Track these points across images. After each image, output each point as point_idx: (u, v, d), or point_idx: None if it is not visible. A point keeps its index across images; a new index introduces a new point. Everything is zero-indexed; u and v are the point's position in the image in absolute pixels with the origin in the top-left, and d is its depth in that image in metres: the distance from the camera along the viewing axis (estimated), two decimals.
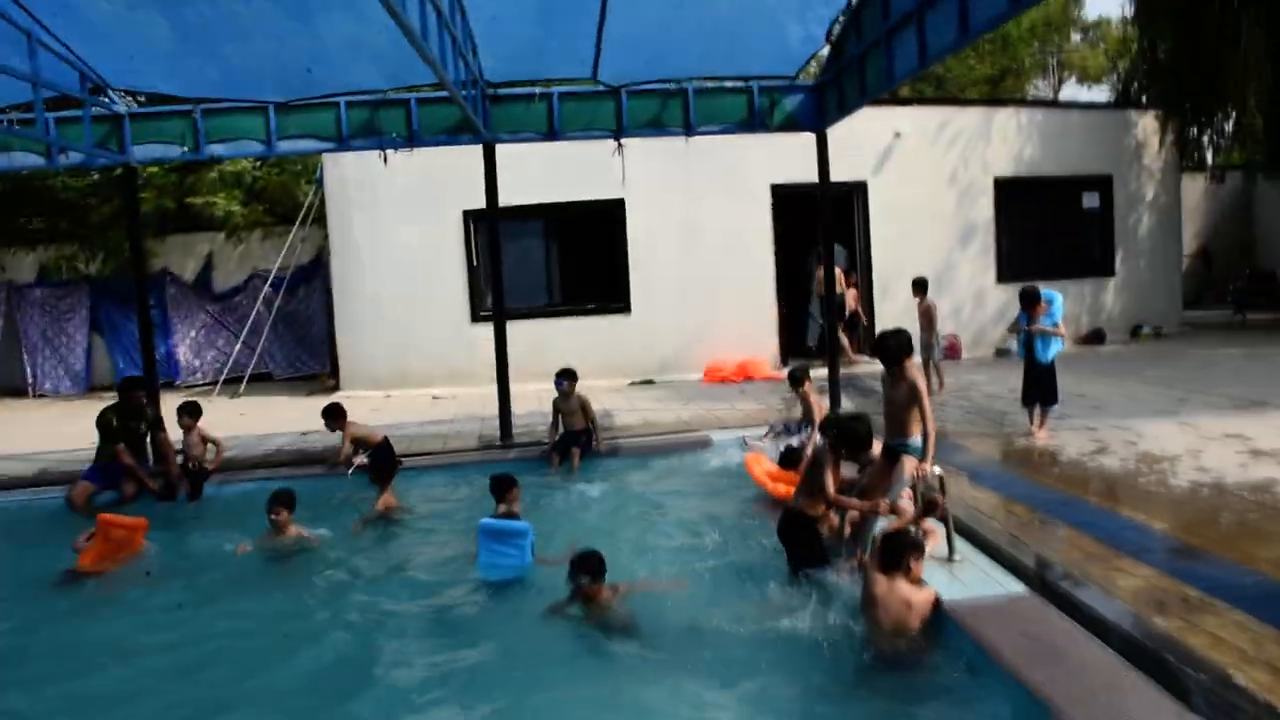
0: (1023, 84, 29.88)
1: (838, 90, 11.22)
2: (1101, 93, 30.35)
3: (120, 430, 9.97)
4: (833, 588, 6.07)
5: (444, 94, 11.40)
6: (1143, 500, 7.34)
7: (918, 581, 5.47)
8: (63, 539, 8.32)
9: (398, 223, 16.60)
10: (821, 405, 10.04)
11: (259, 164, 19.12)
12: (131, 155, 11.35)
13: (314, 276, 20.21)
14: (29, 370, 20.37)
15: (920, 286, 13.63)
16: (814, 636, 5.55)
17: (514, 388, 11.72)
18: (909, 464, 6.45)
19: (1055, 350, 10.16)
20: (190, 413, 10.22)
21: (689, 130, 11.74)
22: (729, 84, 12.00)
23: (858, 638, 5.45)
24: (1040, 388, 10.16)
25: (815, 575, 6.19)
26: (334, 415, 10.26)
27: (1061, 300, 10.37)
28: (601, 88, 11.55)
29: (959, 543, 6.28)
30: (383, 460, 9.77)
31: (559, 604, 6.07)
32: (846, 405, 11.55)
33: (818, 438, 9.58)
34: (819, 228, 17.14)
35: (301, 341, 20.27)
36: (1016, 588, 5.72)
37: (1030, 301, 10.18)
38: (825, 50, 11.08)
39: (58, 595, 7.38)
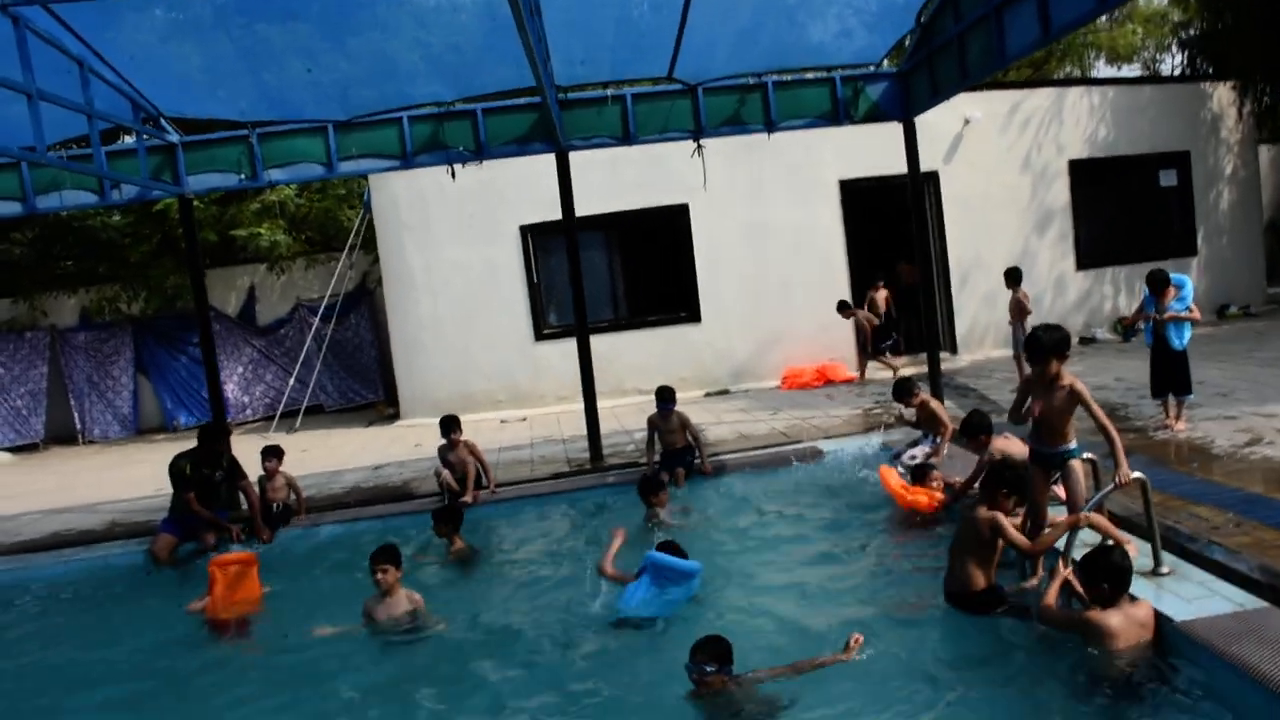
0: (1062, 66, 29.15)
1: (929, 75, 10.55)
2: (1133, 70, 29.53)
3: (194, 478, 9.35)
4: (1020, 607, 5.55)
5: (511, 103, 10.86)
6: None
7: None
8: (158, 594, 8.16)
9: (451, 242, 15.99)
10: (946, 415, 9.33)
11: (301, 191, 18.57)
12: (187, 185, 10.78)
13: (361, 303, 19.67)
14: (77, 417, 19.90)
15: (1013, 278, 12.95)
16: (1025, 671, 4.94)
17: (581, 405, 11.08)
18: (1079, 468, 5.84)
19: (1188, 336, 9.45)
20: (276, 455, 9.72)
21: (770, 127, 11.08)
22: (810, 75, 11.35)
23: (1071, 666, 4.91)
24: (1173, 377, 9.45)
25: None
26: (453, 425, 9.89)
27: (1191, 283, 9.61)
28: (676, 86, 10.90)
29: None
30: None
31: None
32: (950, 406, 10.81)
33: (945, 449, 8.94)
34: (891, 224, 16.71)
35: (352, 371, 19.72)
36: (1242, 598, 5.09)
37: (1159, 286, 9.46)
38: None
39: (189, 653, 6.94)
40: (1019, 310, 12.81)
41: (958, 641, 5.45)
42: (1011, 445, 7.21)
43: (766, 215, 15.99)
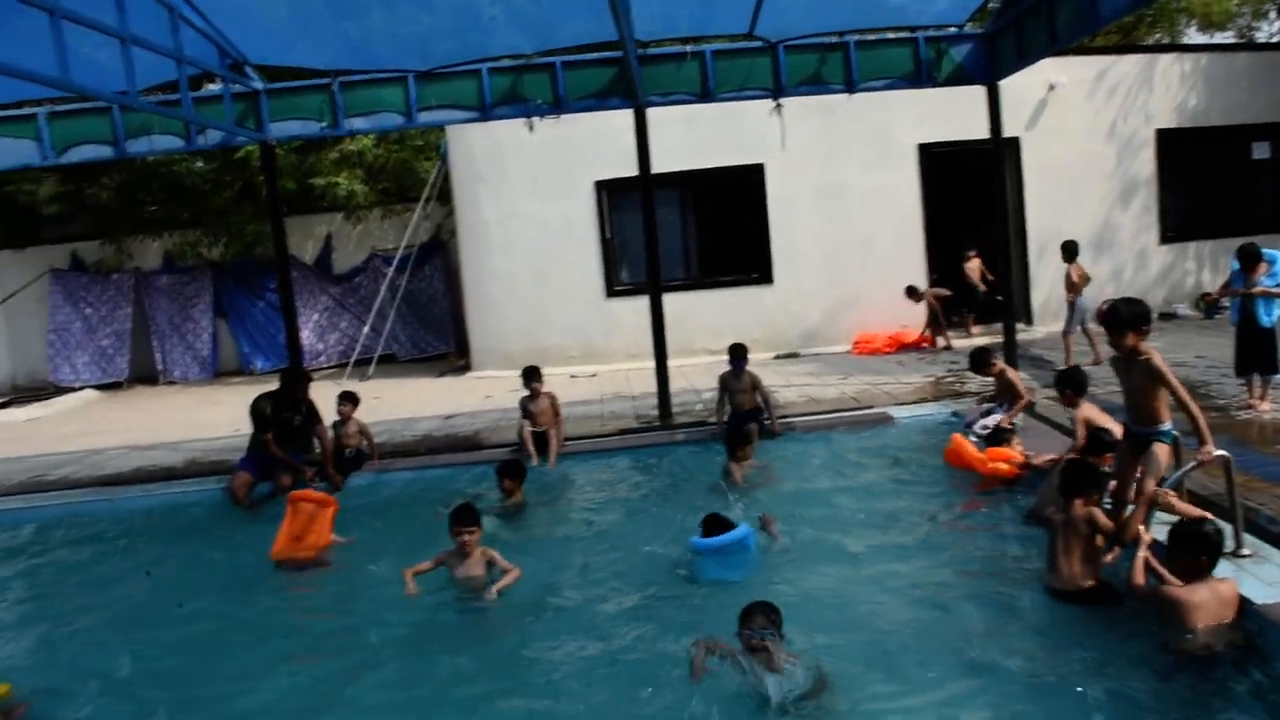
0: (1152, 32, 28.26)
1: (1015, 38, 10.30)
2: (1227, 38, 28.46)
3: (274, 419, 9.56)
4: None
5: (590, 57, 10.81)
6: None
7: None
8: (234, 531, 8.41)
9: (526, 196, 16.04)
10: (1024, 383, 9.20)
11: (378, 142, 18.73)
12: (269, 132, 10.93)
13: (435, 255, 19.85)
14: (159, 358, 20.43)
15: (1069, 251, 12.84)
16: (1105, 650, 4.85)
17: (652, 363, 11.10)
18: (1162, 452, 5.67)
19: (1278, 314, 9.20)
20: (351, 400, 9.88)
21: (851, 87, 10.92)
22: (892, 35, 11.15)
23: (1152, 645, 4.82)
24: (1260, 355, 9.22)
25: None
26: (534, 375, 9.96)
27: None
28: (757, 44, 10.77)
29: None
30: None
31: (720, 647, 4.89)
32: (1025, 378, 10.64)
33: (1019, 418, 8.83)
34: (970, 190, 16.40)
35: (425, 322, 19.93)
36: None
37: (1250, 261, 9.24)
38: None
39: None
40: (1075, 284, 12.64)
41: (1031, 617, 5.34)
42: (1095, 413, 7.08)
43: (843, 178, 15.80)
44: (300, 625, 6.47)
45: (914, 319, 15.53)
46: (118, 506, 9.64)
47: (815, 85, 10.99)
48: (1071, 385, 7.39)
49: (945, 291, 15.29)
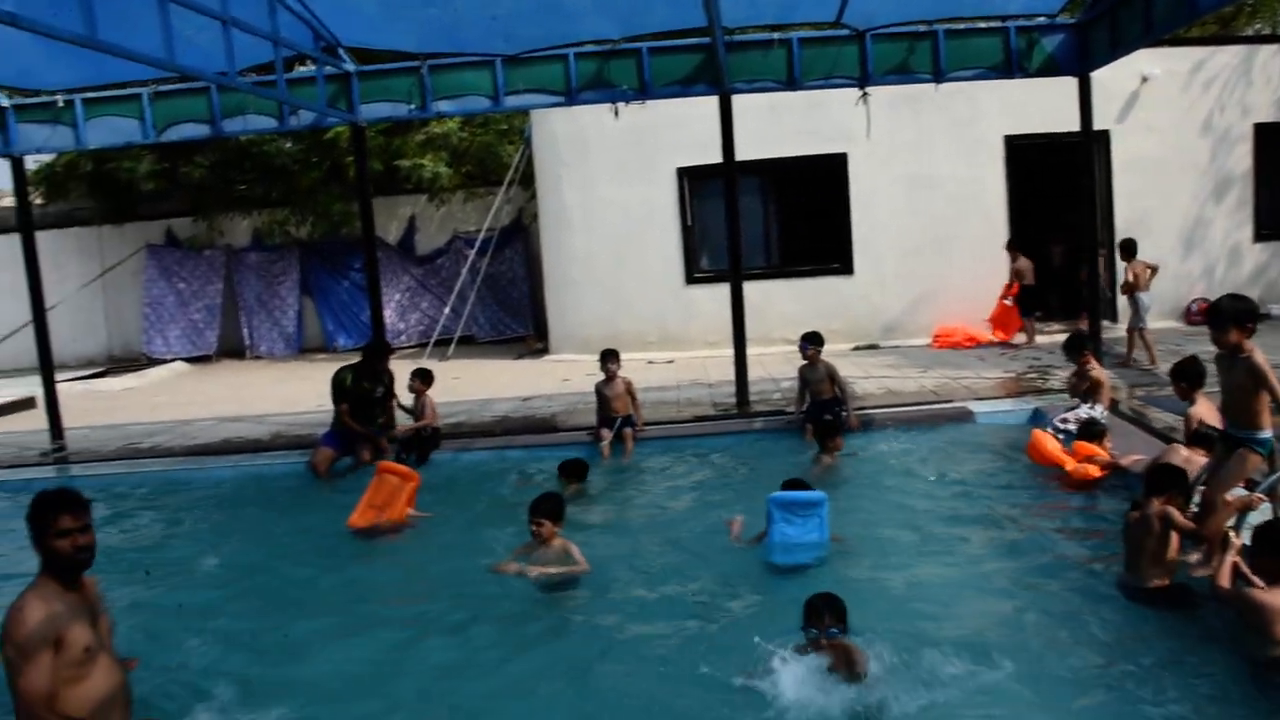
0: (1252, 22, 27.41)
1: (1110, 27, 10.11)
2: None
3: (353, 390, 9.78)
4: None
5: (676, 43, 10.84)
6: None
7: None
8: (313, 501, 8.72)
9: (609, 181, 16.13)
10: (1107, 379, 9.04)
11: (463, 125, 18.95)
12: (360, 114, 11.15)
13: (516, 238, 20.05)
14: (246, 333, 20.97)
15: (1129, 250, 12.73)
16: (1187, 655, 4.77)
17: (730, 352, 11.12)
18: (1248, 462, 5.42)
19: None
20: (423, 378, 10.01)
21: (938, 77, 10.81)
22: (982, 24, 11.00)
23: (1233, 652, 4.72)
24: None
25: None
26: (612, 358, 10.00)
27: None
28: (843, 32, 10.70)
29: None
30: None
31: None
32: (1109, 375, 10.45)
33: (1101, 411, 8.68)
34: (1056, 183, 16.12)
35: (504, 304, 20.15)
36: None
37: None
38: None
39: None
40: (1133, 284, 12.53)
41: (1104, 616, 5.24)
42: (1208, 410, 6.88)
43: (927, 169, 15.62)
44: (367, 594, 6.59)
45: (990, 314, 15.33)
46: (207, 475, 9.98)
47: (902, 75, 10.90)
48: (1186, 378, 7.21)
49: (1028, 278, 15.01)
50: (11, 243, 20.20)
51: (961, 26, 10.93)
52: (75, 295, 20.86)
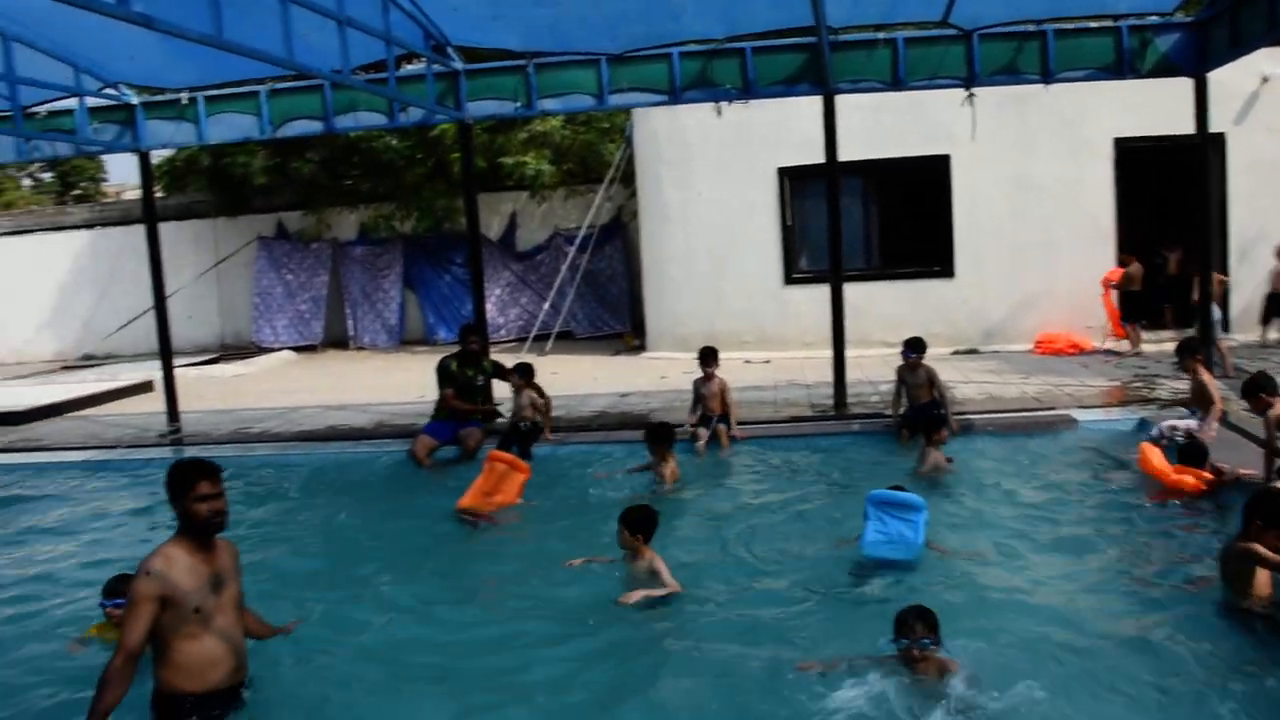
0: None
1: (1230, 25, 9.80)
2: None
3: (458, 376, 10.05)
4: None
5: (780, 43, 10.84)
6: None
7: None
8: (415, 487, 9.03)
9: (709, 180, 16.16)
10: (1218, 388, 8.78)
11: (566, 123, 19.15)
12: (467, 111, 11.37)
13: (615, 236, 20.19)
14: (350, 324, 21.52)
15: None
16: None
17: (828, 353, 11.06)
18: None
19: None
20: (523, 373, 10.15)
21: (1047, 77, 10.64)
22: (1094, 24, 10.78)
23: None
24: None
25: None
26: (711, 357, 10.01)
27: None
28: (950, 32, 10.58)
29: None
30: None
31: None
32: (1220, 387, 10.14)
33: (1214, 428, 8.45)
34: (1167, 186, 15.67)
35: (602, 301, 20.31)
36: None
37: None
38: None
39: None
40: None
41: (1197, 636, 5.06)
42: None
43: (1032, 171, 15.31)
44: (461, 574, 6.83)
45: (1101, 320, 14.97)
46: (314, 459, 10.32)
47: (1009, 75, 10.75)
48: (1260, 390, 7.05)
49: (1136, 283, 14.64)
50: (132, 234, 21.24)
51: (1071, 26, 10.72)
52: (191, 285, 21.67)
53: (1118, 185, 15.39)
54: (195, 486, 4.32)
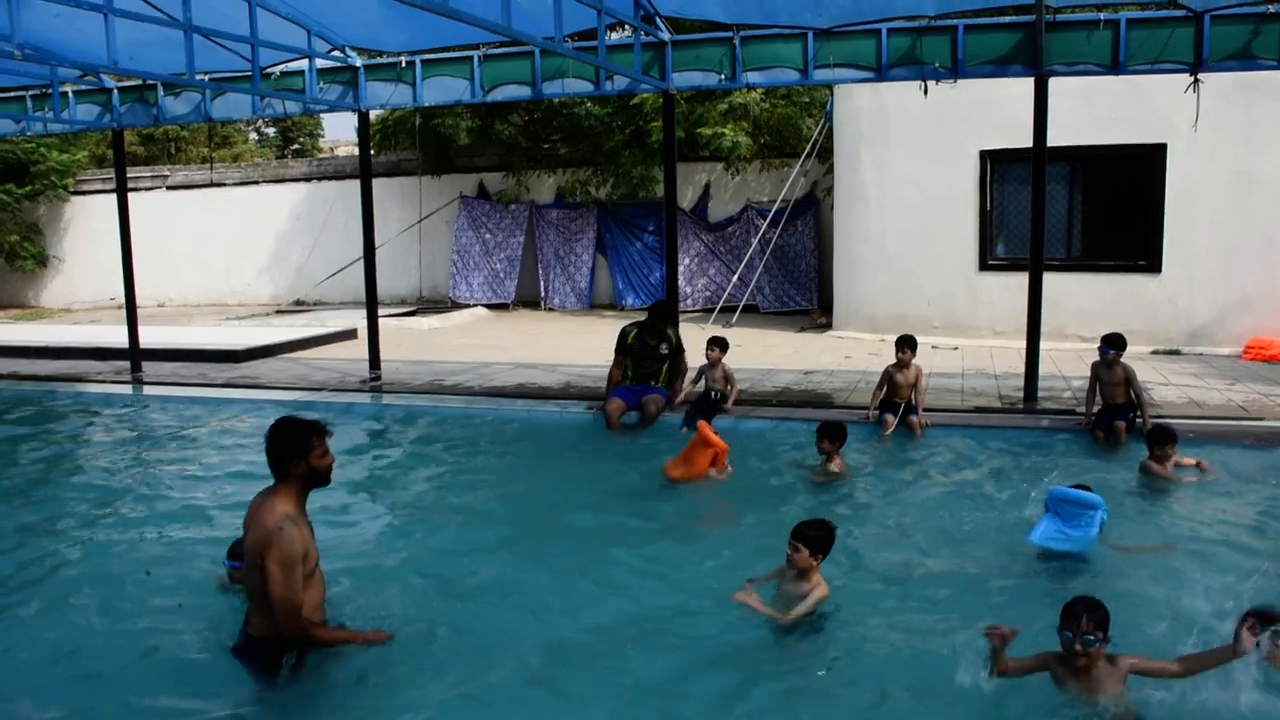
0: None
1: None
2: None
3: (634, 344, 10.31)
4: None
5: (994, 21, 10.55)
6: None
7: None
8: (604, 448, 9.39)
9: (908, 161, 15.87)
10: None
11: (765, 96, 19.12)
12: (671, 82, 11.50)
13: (808, 211, 20.09)
14: (543, 285, 22.16)
15: None
16: None
17: (1019, 344, 10.71)
18: None
19: None
20: (720, 345, 10.24)
21: None
22: None
23: None
24: None
25: None
26: (908, 344, 9.82)
27: None
28: (1179, 12, 10.07)
29: None
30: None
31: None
32: None
33: None
34: None
35: (790, 276, 20.27)
36: None
37: None
38: None
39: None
40: None
41: None
42: None
43: (1258, 164, 14.37)
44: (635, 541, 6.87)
45: None
46: (502, 415, 10.74)
47: (1242, 61, 10.09)
48: None
49: None
50: (345, 188, 22.40)
51: None
52: (395, 239, 22.69)
53: None
54: (321, 442, 4.70)
